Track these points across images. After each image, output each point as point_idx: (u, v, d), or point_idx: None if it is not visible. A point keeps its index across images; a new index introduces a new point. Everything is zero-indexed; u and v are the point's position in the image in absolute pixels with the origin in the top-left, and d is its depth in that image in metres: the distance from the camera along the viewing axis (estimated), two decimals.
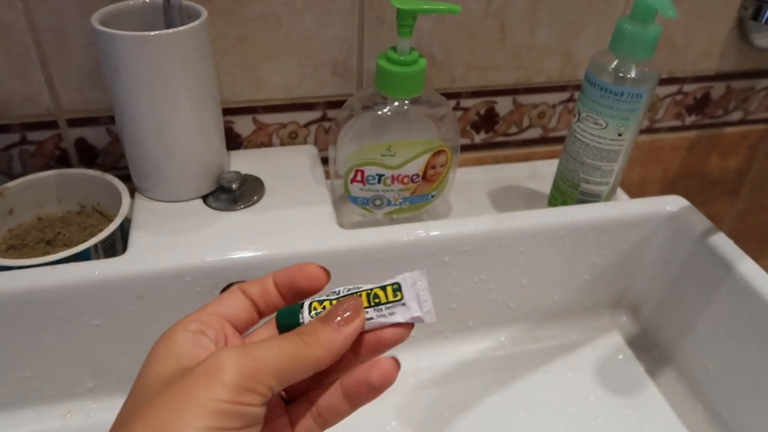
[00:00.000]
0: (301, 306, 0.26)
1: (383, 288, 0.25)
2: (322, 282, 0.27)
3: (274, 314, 0.28)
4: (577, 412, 0.46)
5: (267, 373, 0.22)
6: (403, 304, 0.25)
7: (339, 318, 0.24)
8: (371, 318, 0.25)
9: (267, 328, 0.27)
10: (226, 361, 0.21)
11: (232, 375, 0.21)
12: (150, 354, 0.24)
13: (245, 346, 0.23)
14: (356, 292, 0.26)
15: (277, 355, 0.22)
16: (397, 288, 0.25)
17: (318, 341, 0.23)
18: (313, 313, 0.26)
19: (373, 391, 0.25)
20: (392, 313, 0.25)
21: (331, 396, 0.26)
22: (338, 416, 0.26)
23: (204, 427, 0.20)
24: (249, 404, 0.21)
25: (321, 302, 0.26)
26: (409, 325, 0.25)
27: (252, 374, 0.21)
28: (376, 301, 0.25)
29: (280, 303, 0.27)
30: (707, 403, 0.46)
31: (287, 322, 0.26)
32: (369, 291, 0.26)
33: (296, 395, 0.27)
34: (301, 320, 0.26)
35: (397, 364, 0.26)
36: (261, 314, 0.28)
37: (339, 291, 0.26)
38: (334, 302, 0.26)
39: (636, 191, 0.68)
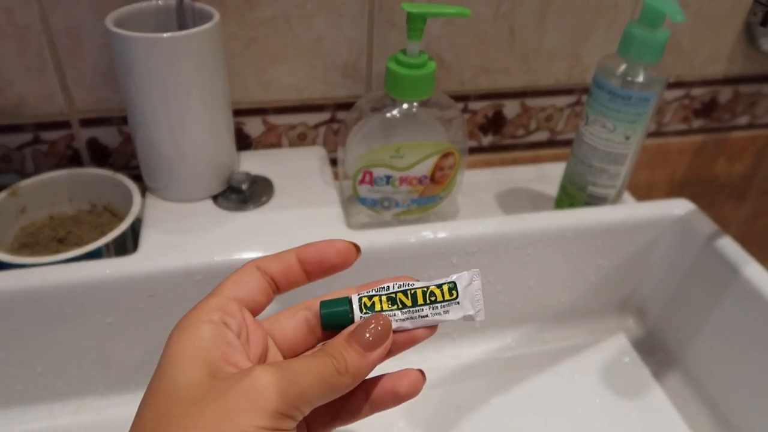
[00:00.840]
0: (350, 302, 0.26)
1: (440, 287, 0.25)
2: (353, 258, 0.26)
3: (288, 291, 0.27)
4: (582, 414, 0.46)
5: (304, 399, 0.22)
6: (458, 303, 0.25)
7: (368, 336, 0.24)
8: (426, 315, 0.25)
9: (290, 316, 0.27)
10: (268, 386, 0.21)
11: (275, 402, 0.21)
12: (171, 346, 0.23)
13: (284, 368, 0.22)
14: (409, 290, 0.26)
15: (314, 382, 0.22)
16: (453, 287, 0.25)
17: (347, 369, 0.23)
18: (364, 312, 0.25)
19: (398, 400, 0.26)
20: (446, 312, 0.25)
21: (352, 399, 0.26)
22: (355, 418, 0.26)
23: None
24: (285, 430, 0.21)
25: (371, 298, 0.26)
26: (435, 326, 0.26)
27: (292, 401, 0.21)
28: (432, 299, 0.25)
29: (302, 280, 0.26)
30: (713, 406, 0.46)
31: (335, 321, 0.26)
32: (425, 288, 0.25)
33: None
34: (351, 318, 0.25)
35: (423, 376, 0.26)
36: (279, 291, 0.27)
37: (389, 287, 0.26)
38: (383, 300, 0.25)
39: (643, 194, 0.68)
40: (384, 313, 0.25)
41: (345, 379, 0.23)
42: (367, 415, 0.26)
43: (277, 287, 0.27)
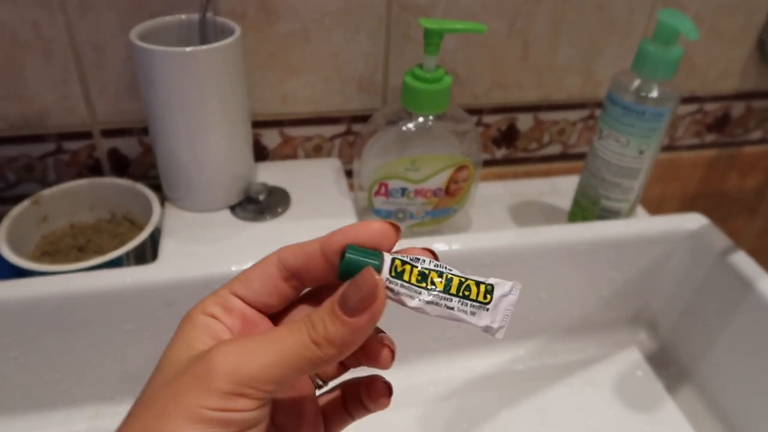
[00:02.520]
0: (382, 258, 0.22)
1: (477, 284, 0.22)
2: (393, 240, 0.23)
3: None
4: (594, 428, 0.46)
5: (262, 379, 0.20)
6: (486, 309, 0.22)
7: (352, 306, 0.20)
8: (452, 308, 0.22)
9: (261, 272, 0.24)
10: (218, 365, 0.20)
11: (222, 382, 0.19)
12: (174, 334, 0.23)
13: (242, 344, 0.20)
14: (445, 273, 0.22)
15: (277, 359, 0.20)
16: (490, 290, 0.22)
17: (328, 340, 0.20)
18: (393, 275, 0.22)
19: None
20: (473, 314, 0.22)
21: (373, 388, 0.25)
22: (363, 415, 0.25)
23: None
24: (240, 410, 0.20)
25: (403, 264, 0.22)
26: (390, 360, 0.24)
27: (244, 381, 0.20)
28: (466, 293, 0.22)
29: (327, 275, 0.23)
30: (726, 421, 0.46)
31: (356, 271, 0.22)
32: (463, 279, 0.22)
33: (330, 378, 0.26)
34: (380, 272, 0.22)
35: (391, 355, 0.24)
36: (305, 286, 0.24)
37: (424, 260, 0.22)
38: (414, 272, 0.22)
39: (655, 208, 0.68)
40: (412, 287, 0.22)
41: (325, 351, 0.20)
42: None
43: (302, 283, 0.24)
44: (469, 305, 0.22)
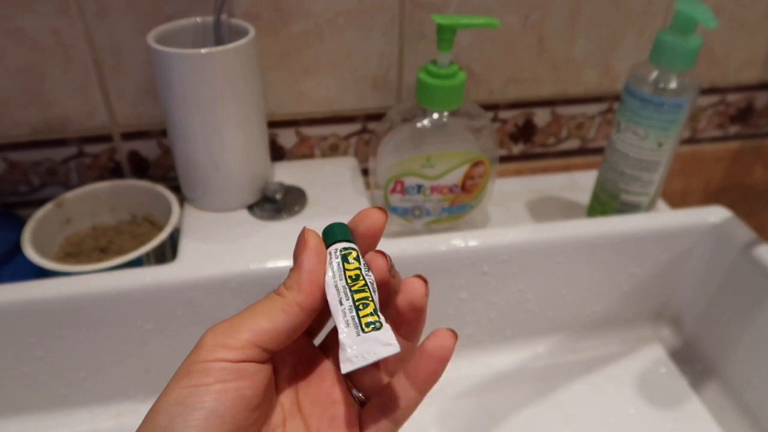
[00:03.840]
0: (346, 243, 0.25)
1: (375, 312, 0.24)
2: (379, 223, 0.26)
3: None
4: (617, 425, 0.46)
5: (242, 328, 0.23)
6: (358, 334, 0.23)
7: (295, 256, 0.25)
8: (343, 305, 0.24)
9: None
10: (205, 333, 0.23)
11: (204, 339, 0.23)
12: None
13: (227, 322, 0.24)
14: (368, 287, 0.24)
15: (251, 312, 0.23)
16: (377, 327, 0.23)
17: (285, 287, 0.24)
18: (342, 253, 0.24)
19: (433, 361, 0.24)
20: (347, 324, 0.23)
21: (395, 384, 0.25)
22: (407, 405, 0.25)
23: (181, 387, 0.22)
24: (221, 360, 0.22)
25: (356, 260, 0.25)
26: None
27: (224, 332, 0.23)
28: (359, 306, 0.24)
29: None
30: (753, 417, 0.45)
31: (329, 235, 0.25)
32: (369, 298, 0.24)
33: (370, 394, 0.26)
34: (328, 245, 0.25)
35: (453, 334, 0.25)
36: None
37: (368, 272, 0.25)
38: (357, 271, 0.24)
39: (678, 202, 0.67)
40: (338, 271, 0.24)
41: (288, 295, 0.24)
42: (415, 400, 0.25)
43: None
44: (350, 315, 0.23)
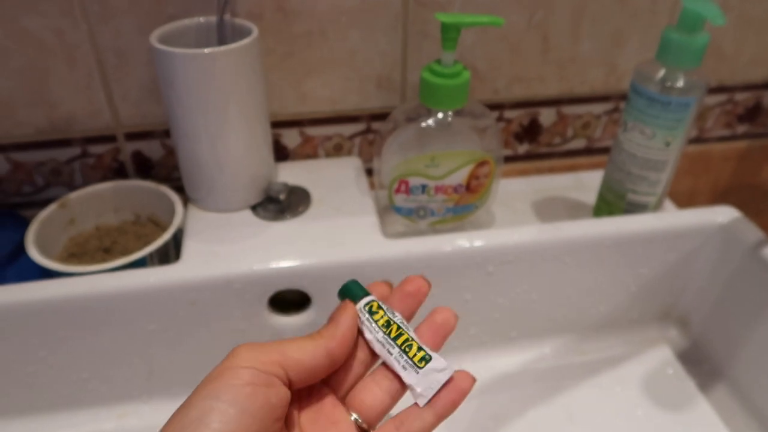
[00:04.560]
0: (364, 296, 0.29)
1: (419, 348, 0.28)
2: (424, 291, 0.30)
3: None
4: (624, 427, 0.45)
5: (273, 351, 0.25)
6: (417, 372, 0.27)
7: (333, 316, 0.28)
8: (391, 354, 0.28)
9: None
10: (242, 350, 0.25)
11: (238, 349, 0.25)
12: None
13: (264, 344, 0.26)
14: (402, 329, 0.28)
15: (286, 347, 0.25)
16: (427, 359, 0.27)
17: (320, 334, 0.27)
18: (367, 309, 0.28)
19: (456, 392, 0.27)
20: (404, 368, 0.27)
21: (414, 408, 0.27)
22: (422, 428, 0.27)
23: (214, 386, 0.23)
24: (252, 367, 0.24)
25: (380, 307, 0.29)
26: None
27: (258, 348, 0.25)
28: (406, 349, 0.28)
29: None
30: (762, 419, 0.45)
31: (345, 295, 0.29)
32: (410, 339, 0.28)
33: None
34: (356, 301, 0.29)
35: (471, 378, 0.28)
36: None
37: (394, 314, 0.29)
38: (383, 318, 0.28)
39: (685, 202, 0.67)
40: (372, 326, 0.28)
41: (318, 341, 0.26)
42: (432, 424, 0.27)
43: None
44: (403, 359, 0.27)
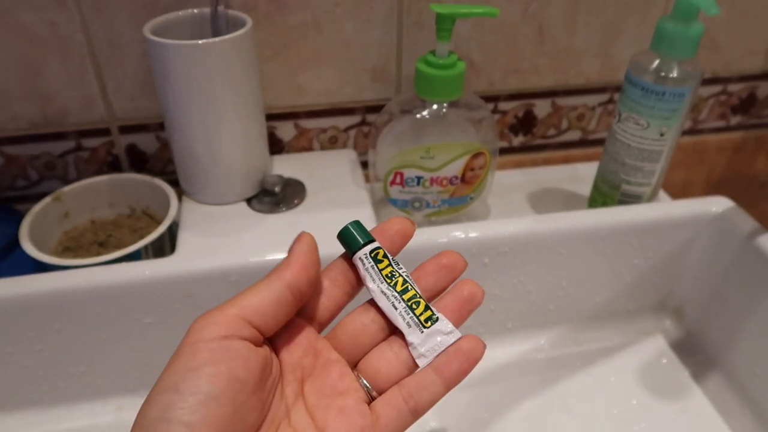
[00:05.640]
0: (370, 242, 0.27)
1: (426, 307, 0.26)
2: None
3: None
4: (619, 417, 0.45)
5: (229, 307, 0.24)
6: (421, 331, 0.26)
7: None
8: (396, 309, 0.26)
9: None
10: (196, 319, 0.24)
11: (194, 322, 0.23)
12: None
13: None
14: (408, 282, 0.26)
15: (238, 294, 0.24)
16: (434, 320, 0.26)
17: (275, 271, 0.25)
18: (372, 256, 0.26)
19: (467, 360, 0.25)
20: (409, 326, 0.26)
21: (422, 376, 0.26)
22: (431, 396, 0.25)
23: (171, 373, 0.23)
24: (209, 339, 0.23)
25: (385, 256, 0.27)
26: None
27: (213, 312, 0.24)
28: (413, 306, 0.26)
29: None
30: (755, 408, 0.45)
31: (346, 239, 0.27)
32: (417, 295, 0.26)
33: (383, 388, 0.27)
34: (357, 248, 0.27)
35: (481, 343, 0.26)
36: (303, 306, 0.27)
37: (401, 268, 0.27)
38: (388, 267, 0.26)
39: (679, 193, 0.67)
40: (376, 275, 0.26)
41: (273, 274, 0.25)
42: (440, 393, 0.26)
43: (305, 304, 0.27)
44: (409, 316, 0.26)
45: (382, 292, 0.26)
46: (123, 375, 0.45)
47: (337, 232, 0.27)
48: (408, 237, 0.28)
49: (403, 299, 0.26)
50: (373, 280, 0.26)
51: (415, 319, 0.26)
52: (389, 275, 0.26)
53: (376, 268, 0.26)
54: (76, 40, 0.45)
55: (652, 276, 0.50)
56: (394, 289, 0.26)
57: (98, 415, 0.45)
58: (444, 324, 0.26)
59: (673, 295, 0.52)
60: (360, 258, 0.26)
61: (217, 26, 0.44)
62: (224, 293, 0.42)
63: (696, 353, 0.50)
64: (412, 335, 0.26)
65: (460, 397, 0.47)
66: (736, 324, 0.47)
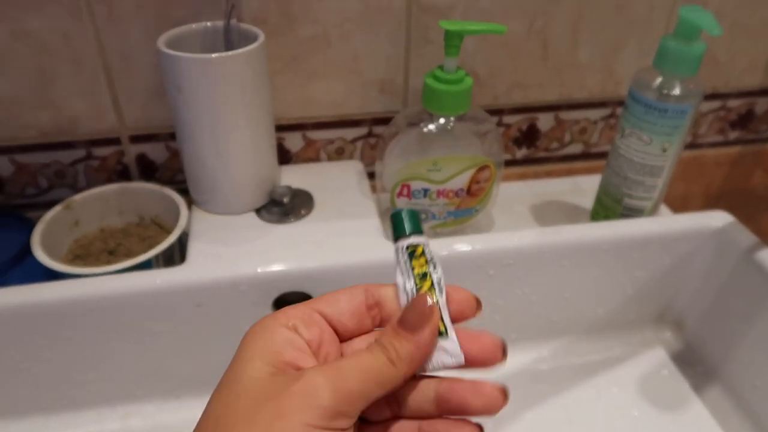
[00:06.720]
0: (418, 233, 0.26)
1: (442, 320, 0.25)
2: (473, 312, 0.26)
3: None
4: (620, 428, 0.46)
5: (356, 395, 0.22)
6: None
7: (412, 319, 0.24)
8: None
9: (350, 298, 0.26)
10: (321, 385, 0.21)
11: (328, 400, 0.21)
12: (246, 344, 0.23)
13: (334, 366, 0.22)
14: (434, 291, 0.25)
15: (365, 376, 0.22)
16: (444, 336, 0.25)
17: (399, 357, 0.23)
18: (410, 251, 0.25)
19: (468, 412, 0.25)
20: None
21: (416, 395, 0.25)
22: (418, 415, 0.25)
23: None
24: (340, 429, 0.21)
25: (423, 255, 0.25)
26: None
27: (344, 397, 0.21)
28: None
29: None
30: (756, 420, 0.46)
31: (396, 225, 0.26)
32: (438, 305, 0.25)
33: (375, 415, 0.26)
34: (402, 234, 0.25)
35: (503, 395, 0.25)
36: (380, 321, 0.26)
37: (438, 272, 0.25)
38: (423, 268, 0.25)
39: (679, 206, 0.68)
40: (407, 272, 0.25)
41: (399, 368, 0.23)
42: (432, 416, 0.25)
43: (381, 316, 0.26)
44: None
45: (405, 290, 0.25)
46: (131, 382, 0.45)
47: (389, 216, 0.26)
48: (468, 311, 0.26)
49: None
50: (402, 273, 0.25)
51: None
52: (421, 275, 0.25)
53: (409, 263, 0.25)
54: (90, 51, 0.46)
55: (653, 288, 0.51)
56: (417, 291, 0.25)
57: (106, 421, 0.45)
58: (452, 344, 0.24)
59: (674, 308, 0.53)
60: (398, 248, 0.26)
61: (229, 39, 0.45)
62: (233, 303, 0.43)
63: (696, 365, 0.51)
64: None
65: None
66: (735, 336, 0.48)
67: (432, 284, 0.25)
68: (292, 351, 0.23)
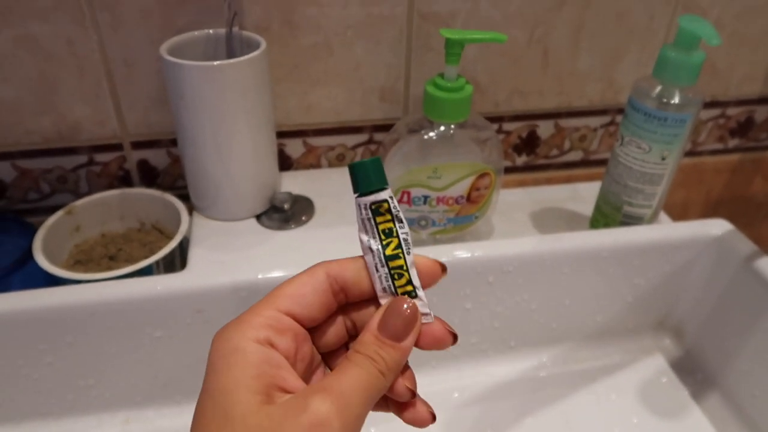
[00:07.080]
0: (382, 188, 0.24)
1: (409, 282, 0.24)
2: (438, 277, 0.25)
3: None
4: None
5: (360, 417, 0.22)
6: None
7: (397, 325, 0.23)
8: (379, 272, 0.24)
9: (310, 277, 0.24)
10: (329, 417, 0.21)
11: (339, 431, 0.21)
12: (217, 370, 0.22)
13: (336, 393, 0.22)
14: (402, 252, 0.24)
15: (366, 396, 0.22)
16: (413, 295, 0.24)
17: (388, 367, 0.23)
18: (373, 207, 0.24)
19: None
20: (384, 290, 0.25)
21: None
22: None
23: None
24: None
25: (388, 212, 0.24)
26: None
27: (352, 424, 0.21)
28: (395, 275, 0.24)
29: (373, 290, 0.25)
30: (754, 427, 0.46)
31: (363, 177, 0.24)
32: (405, 266, 0.24)
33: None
34: (375, 190, 0.24)
35: (432, 418, 0.25)
36: (346, 300, 0.25)
37: (405, 230, 0.24)
38: (388, 224, 0.24)
39: (678, 214, 0.68)
40: (372, 229, 0.24)
41: (388, 378, 0.23)
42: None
43: (347, 297, 0.25)
44: (387, 283, 0.24)
45: (370, 248, 0.24)
46: (131, 388, 0.45)
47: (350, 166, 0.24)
48: (434, 279, 0.25)
49: (388, 264, 0.24)
50: (366, 231, 0.24)
51: (392, 288, 0.24)
52: (386, 231, 0.24)
53: (373, 220, 0.24)
54: (93, 58, 0.46)
55: (653, 296, 0.51)
56: (384, 250, 0.24)
57: (105, 427, 0.45)
58: (422, 304, 0.24)
59: (673, 315, 0.53)
60: (359, 203, 0.24)
61: (231, 46, 0.45)
62: (234, 309, 0.43)
63: (695, 372, 0.51)
64: (384, 302, 0.24)
65: (463, 413, 0.47)
66: (734, 344, 0.48)
67: (399, 243, 0.24)
68: (271, 370, 0.22)
